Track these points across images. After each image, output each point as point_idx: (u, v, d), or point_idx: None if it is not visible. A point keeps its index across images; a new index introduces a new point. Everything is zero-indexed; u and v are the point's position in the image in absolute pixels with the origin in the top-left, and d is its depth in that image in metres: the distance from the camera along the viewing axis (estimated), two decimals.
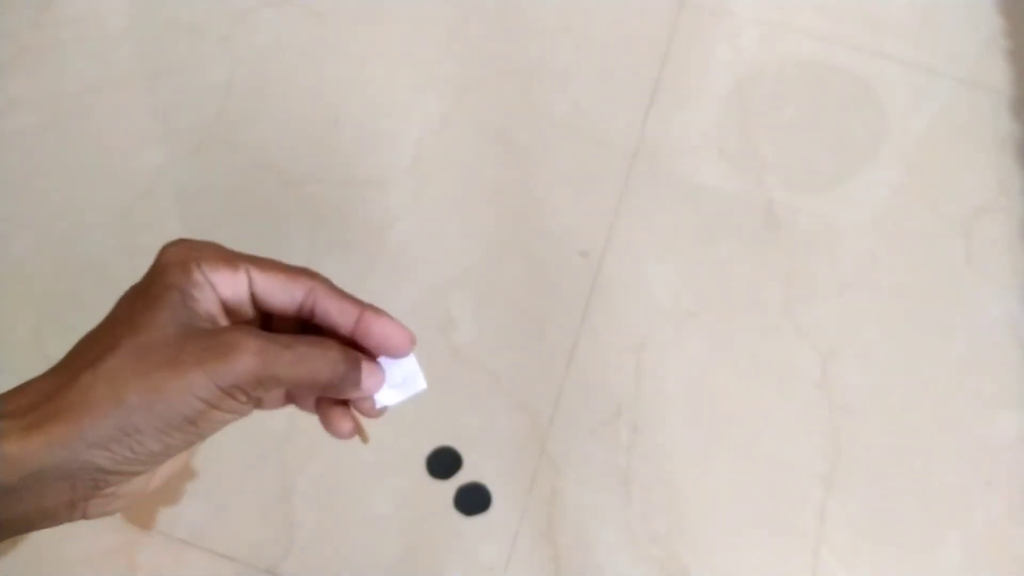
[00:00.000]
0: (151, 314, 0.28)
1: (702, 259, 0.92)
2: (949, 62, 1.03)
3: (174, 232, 0.88)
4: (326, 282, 0.31)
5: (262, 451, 0.83)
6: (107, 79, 1.02)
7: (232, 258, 0.30)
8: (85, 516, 0.28)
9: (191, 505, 0.81)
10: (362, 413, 0.34)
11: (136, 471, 0.28)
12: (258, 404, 0.33)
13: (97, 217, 0.94)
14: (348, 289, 0.32)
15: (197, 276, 0.29)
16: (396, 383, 0.33)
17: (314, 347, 0.29)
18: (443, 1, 1.07)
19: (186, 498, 0.81)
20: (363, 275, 0.91)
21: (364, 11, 1.07)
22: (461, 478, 0.82)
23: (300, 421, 0.84)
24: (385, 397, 0.33)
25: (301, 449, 0.83)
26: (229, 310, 0.30)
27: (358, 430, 0.34)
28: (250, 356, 0.27)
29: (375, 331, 0.31)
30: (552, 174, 0.97)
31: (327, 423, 0.33)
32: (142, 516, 0.80)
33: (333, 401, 0.33)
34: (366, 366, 0.31)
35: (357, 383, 0.31)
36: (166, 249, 0.30)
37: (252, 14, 1.06)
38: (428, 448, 0.83)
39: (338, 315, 0.31)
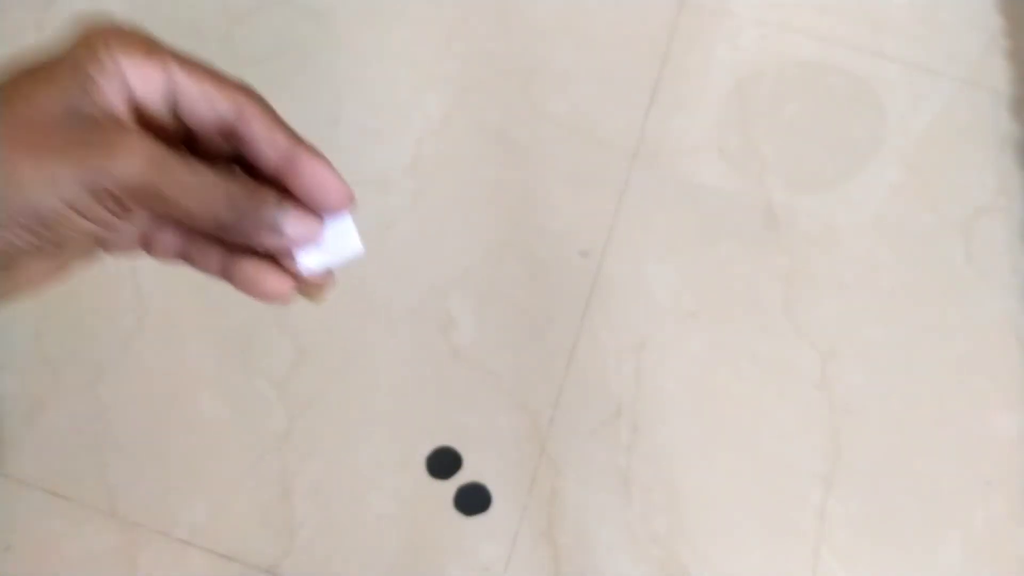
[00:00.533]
0: (35, 88, 0.23)
1: (702, 259, 0.92)
2: (949, 62, 1.03)
3: None
4: (262, 103, 0.26)
5: (262, 451, 0.83)
6: None
7: (155, 49, 0.24)
8: None
9: (191, 505, 0.81)
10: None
11: None
12: (146, 245, 0.28)
13: None
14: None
15: (105, 59, 0.23)
16: (326, 245, 0.27)
17: (215, 175, 0.24)
18: (443, 1, 1.07)
19: (186, 498, 0.81)
20: (362, 275, 0.91)
21: (364, 11, 1.07)
22: (461, 478, 0.82)
23: (300, 421, 0.84)
24: (311, 260, 0.27)
25: (301, 449, 0.83)
26: (141, 113, 0.25)
27: (304, 287, 0.27)
28: (134, 158, 0.22)
29: (306, 173, 0.25)
30: (552, 174, 0.97)
31: (243, 281, 0.27)
32: None
33: (248, 257, 0.27)
34: (295, 209, 0.25)
35: (272, 226, 0.25)
36: (83, 27, 0.24)
37: (252, 14, 1.06)
38: (428, 448, 0.83)
39: (266, 144, 0.25)
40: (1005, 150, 0.98)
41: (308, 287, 0.28)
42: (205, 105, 0.25)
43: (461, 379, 0.86)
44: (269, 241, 0.25)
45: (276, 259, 0.27)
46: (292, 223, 0.25)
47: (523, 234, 0.93)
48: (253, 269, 0.27)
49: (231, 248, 0.27)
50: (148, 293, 0.88)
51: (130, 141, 0.22)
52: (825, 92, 1.02)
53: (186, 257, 0.28)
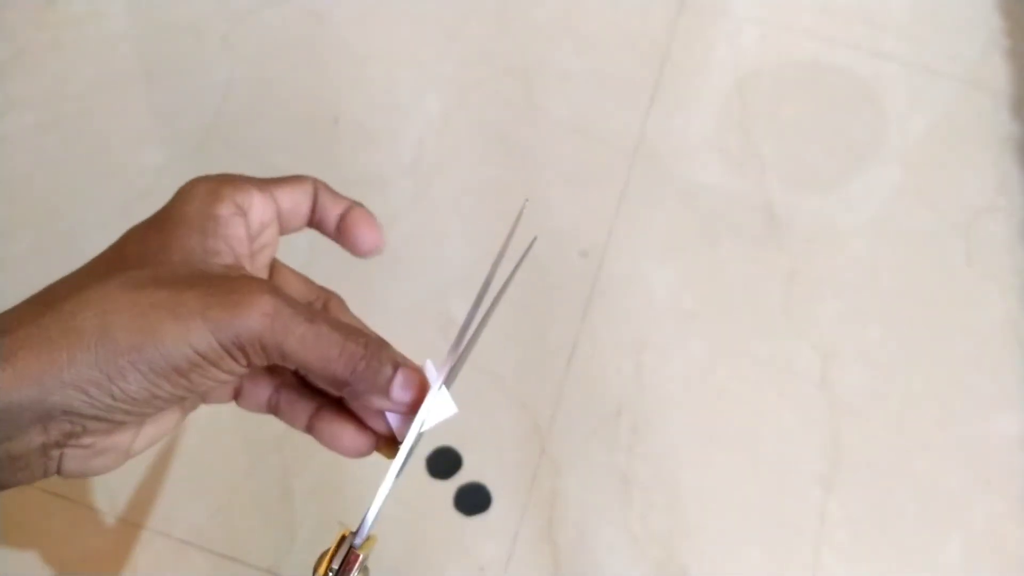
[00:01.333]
0: (162, 246, 0.25)
1: (702, 259, 0.92)
2: (949, 62, 1.03)
3: None
4: (320, 181, 0.31)
5: (262, 451, 0.83)
6: (107, 79, 1.02)
7: (259, 183, 0.29)
8: (61, 471, 0.25)
9: (191, 505, 0.81)
10: (377, 430, 0.29)
11: (117, 420, 0.24)
12: (236, 396, 0.31)
13: (97, 217, 0.94)
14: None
15: (225, 209, 0.26)
16: (423, 409, 0.28)
17: (337, 331, 0.25)
18: (443, 1, 1.07)
19: (186, 498, 0.81)
20: (363, 275, 0.91)
21: (364, 11, 1.07)
22: (461, 478, 0.82)
23: None
24: (404, 423, 0.28)
25: (301, 449, 0.83)
26: (256, 239, 0.29)
27: (382, 443, 0.29)
28: (260, 316, 0.24)
29: (348, 219, 0.30)
30: (552, 174, 0.97)
31: (330, 438, 0.29)
32: (137, 512, 0.80)
33: (333, 413, 0.29)
34: (405, 370, 0.27)
35: (383, 389, 0.26)
36: (192, 181, 0.28)
37: (252, 14, 1.06)
38: (428, 448, 0.83)
39: (332, 206, 0.31)
40: (1005, 150, 0.98)
41: (384, 446, 0.29)
42: (303, 200, 0.30)
43: (461, 379, 0.86)
44: (376, 403, 0.27)
45: (359, 417, 0.29)
46: (400, 390, 0.27)
47: (523, 234, 0.93)
48: (336, 428, 0.29)
49: (318, 403, 0.30)
50: None
51: (257, 299, 0.24)
52: (825, 92, 1.02)
53: (273, 410, 0.31)
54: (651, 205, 0.95)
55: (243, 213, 0.27)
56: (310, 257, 0.93)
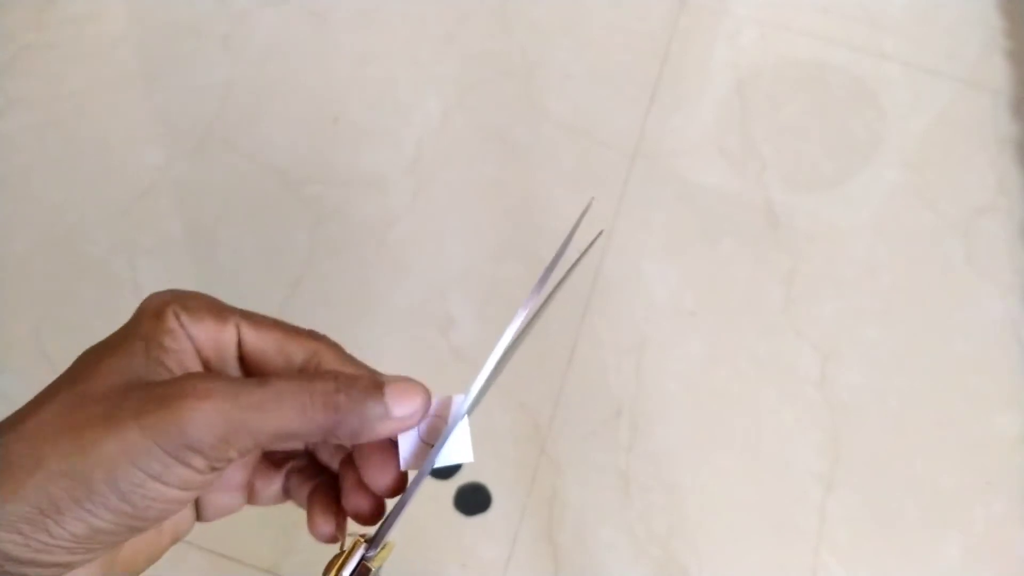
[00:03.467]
0: (103, 363, 0.23)
1: (702, 259, 0.92)
2: (949, 62, 1.03)
3: (174, 232, 0.88)
4: (335, 346, 0.26)
5: None
6: (107, 79, 1.02)
7: (221, 309, 0.25)
8: None
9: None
10: (376, 487, 0.27)
11: (61, 562, 0.21)
12: (251, 498, 0.29)
13: (97, 217, 0.94)
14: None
15: (171, 323, 0.24)
16: (437, 445, 0.26)
17: (296, 379, 0.23)
18: (443, 1, 1.07)
19: None
20: (363, 275, 0.91)
21: (364, 11, 1.07)
22: (461, 478, 0.82)
23: None
24: (417, 457, 0.26)
25: None
26: (211, 369, 0.25)
27: (340, 533, 0.28)
28: (204, 405, 0.21)
29: (393, 389, 0.25)
30: (552, 174, 0.97)
31: (308, 521, 0.28)
32: None
33: (324, 497, 0.28)
34: (392, 383, 0.25)
35: (379, 414, 0.24)
36: (147, 298, 0.25)
37: (252, 14, 1.06)
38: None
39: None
40: (1005, 150, 0.98)
41: (341, 533, 0.28)
42: (279, 355, 0.25)
43: (461, 379, 0.86)
44: (379, 430, 0.25)
45: (331, 500, 0.28)
46: (398, 405, 0.24)
47: (523, 234, 0.93)
48: (313, 511, 0.28)
49: (315, 482, 0.28)
50: (148, 292, 0.88)
51: (193, 387, 0.21)
52: (825, 92, 1.02)
53: (287, 495, 0.30)
54: (651, 205, 0.95)
55: (191, 337, 0.25)
56: (310, 255, 0.93)
